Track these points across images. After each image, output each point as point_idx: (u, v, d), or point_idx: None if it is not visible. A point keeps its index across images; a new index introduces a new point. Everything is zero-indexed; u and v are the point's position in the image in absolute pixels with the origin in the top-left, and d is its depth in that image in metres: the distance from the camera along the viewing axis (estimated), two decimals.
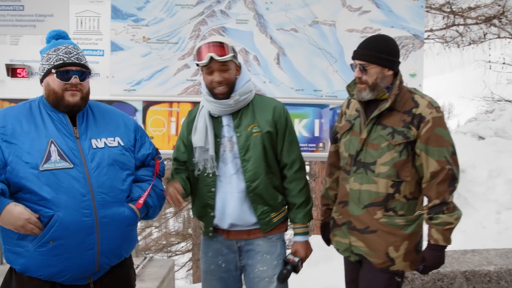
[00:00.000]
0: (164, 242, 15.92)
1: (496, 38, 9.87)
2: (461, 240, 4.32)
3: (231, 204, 2.42)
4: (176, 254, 15.38)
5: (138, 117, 3.62)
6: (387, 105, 2.33)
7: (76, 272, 2.04)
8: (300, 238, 2.51)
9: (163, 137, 3.64)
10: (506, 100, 10.64)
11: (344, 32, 3.65)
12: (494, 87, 11.36)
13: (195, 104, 3.64)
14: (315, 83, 3.63)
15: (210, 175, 2.42)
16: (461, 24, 8.01)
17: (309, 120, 3.65)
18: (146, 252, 15.13)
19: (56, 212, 1.97)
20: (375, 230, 2.36)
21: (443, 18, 7.92)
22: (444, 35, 8.61)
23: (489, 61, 10.84)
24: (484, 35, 8.57)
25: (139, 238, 16.57)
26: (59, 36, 2.19)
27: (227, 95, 2.39)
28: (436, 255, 2.32)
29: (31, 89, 3.48)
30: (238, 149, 2.41)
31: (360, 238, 2.41)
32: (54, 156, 2.02)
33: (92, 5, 3.64)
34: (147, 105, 3.63)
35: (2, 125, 2.03)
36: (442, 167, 2.27)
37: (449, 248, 2.62)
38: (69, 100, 2.11)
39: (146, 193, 2.21)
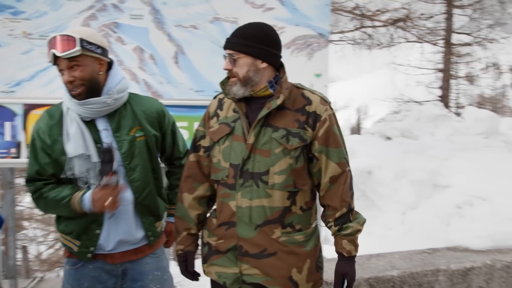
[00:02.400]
0: None
1: (405, 42, 10.34)
2: (368, 243, 4.30)
3: (122, 217, 2.17)
4: None
5: (18, 123, 3.20)
6: (278, 101, 2.00)
7: None
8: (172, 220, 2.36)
9: None
10: (415, 101, 11.10)
11: None
12: (404, 89, 11.86)
13: None
14: (217, 83, 3.36)
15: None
16: (369, 26, 8.25)
17: None
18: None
19: None
20: (274, 252, 2.03)
21: (351, 20, 8.11)
22: (354, 36, 8.84)
23: (398, 64, 11.36)
24: (392, 38, 8.91)
25: None
26: None
27: (85, 95, 2.11)
28: (353, 266, 2.10)
29: None
30: (120, 156, 2.16)
31: (256, 265, 2.04)
32: None
33: None
34: (29, 108, 3.21)
35: None
36: (343, 170, 2.05)
37: None
38: None
39: None
